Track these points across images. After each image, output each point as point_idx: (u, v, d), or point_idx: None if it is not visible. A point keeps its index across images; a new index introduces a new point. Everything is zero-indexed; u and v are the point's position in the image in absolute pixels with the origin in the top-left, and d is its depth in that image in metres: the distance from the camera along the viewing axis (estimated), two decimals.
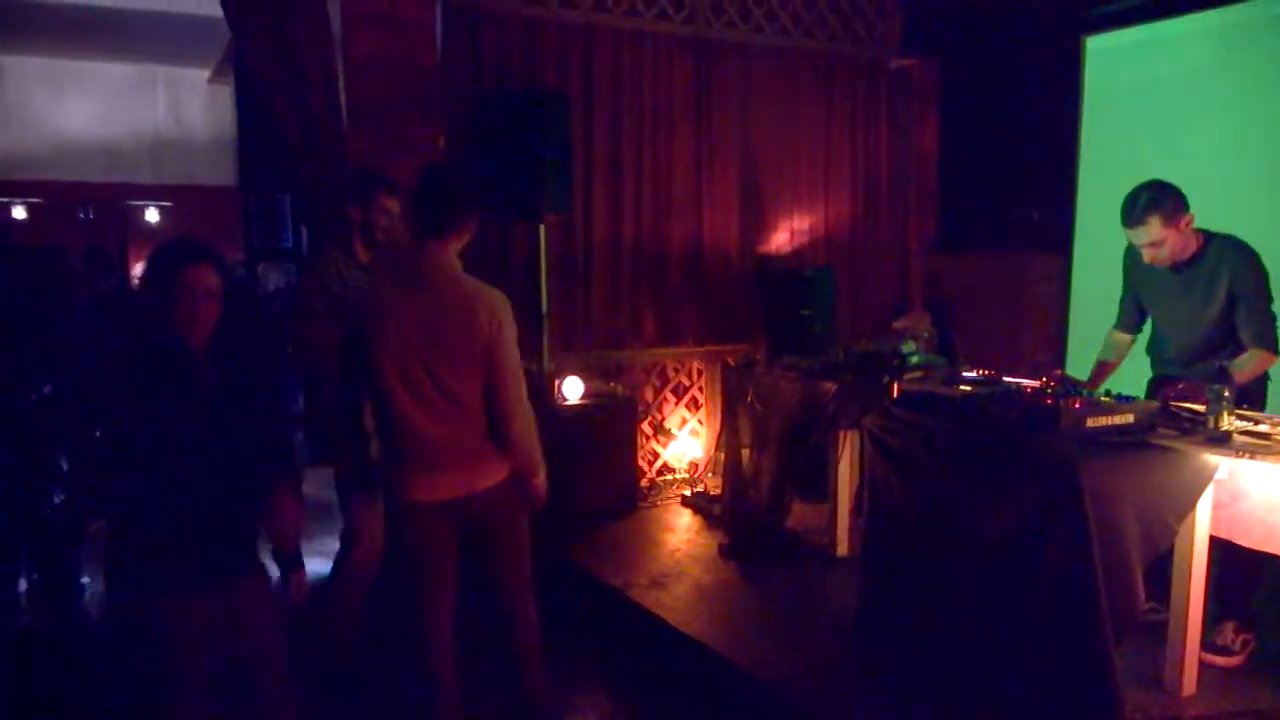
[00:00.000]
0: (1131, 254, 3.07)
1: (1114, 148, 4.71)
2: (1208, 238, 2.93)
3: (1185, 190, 2.88)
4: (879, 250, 5.62)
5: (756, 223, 5.22)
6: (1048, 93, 5.07)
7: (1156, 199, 2.84)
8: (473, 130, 4.33)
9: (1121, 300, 3.26)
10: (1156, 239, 2.87)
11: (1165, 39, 4.55)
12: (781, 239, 5.31)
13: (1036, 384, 2.92)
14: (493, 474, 2.45)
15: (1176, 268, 2.95)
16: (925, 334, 4.80)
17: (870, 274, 5.57)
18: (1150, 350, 3.21)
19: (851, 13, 5.35)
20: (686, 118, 4.94)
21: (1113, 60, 4.81)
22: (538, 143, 4.09)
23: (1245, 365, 2.83)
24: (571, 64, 4.62)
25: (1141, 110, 4.61)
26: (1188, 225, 2.87)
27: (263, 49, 3.89)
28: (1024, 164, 5.19)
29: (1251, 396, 2.88)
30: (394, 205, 3.19)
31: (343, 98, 4.01)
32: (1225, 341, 2.91)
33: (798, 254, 5.30)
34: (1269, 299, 2.90)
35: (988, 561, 2.49)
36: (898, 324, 5.07)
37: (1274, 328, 2.89)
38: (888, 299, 5.64)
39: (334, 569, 3.20)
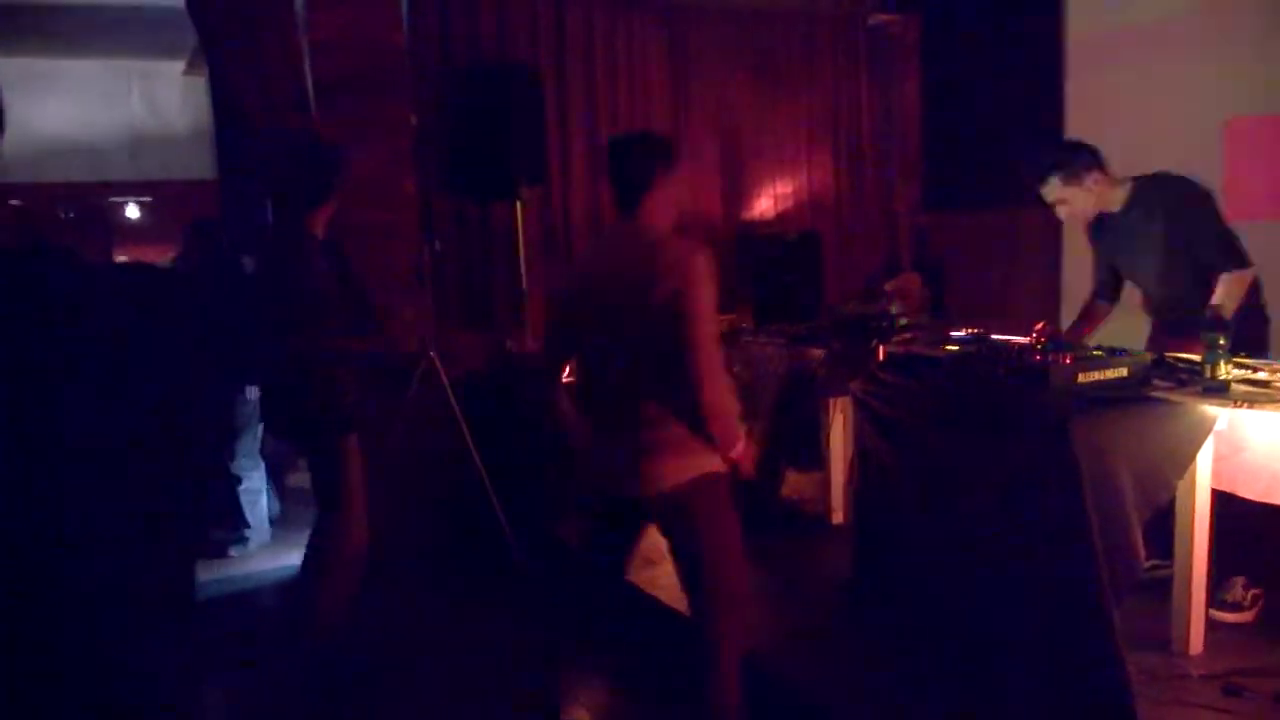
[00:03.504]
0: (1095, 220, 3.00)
1: (1100, 96, 4.58)
2: (1135, 183, 2.86)
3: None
4: (865, 212, 5.54)
5: (738, 189, 5.13)
6: (1031, 41, 4.93)
7: (1056, 159, 2.84)
8: (444, 107, 4.23)
9: (1094, 268, 3.18)
10: (1058, 198, 2.87)
11: None
12: (764, 204, 5.21)
13: (1025, 341, 2.82)
14: None
15: (1105, 220, 2.91)
16: (916, 294, 4.70)
17: (857, 236, 5.49)
18: (1144, 309, 3.12)
19: None
20: (662, 85, 4.86)
21: (1095, 5, 4.67)
22: (510, 117, 4.00)
23: (1225, 295, 2.70)
24: (543, 36, 4.53)
25: (1126, 56, 4.48)
26: (1096, 183, 2.83)
27: (223, 34, 3.79)
28: (1009, 117, 5.06)
29: (1252, 342, 2.73)
30: None
31: (308, 80, 3.91)
32: (1198, 281, 2.79)
33: (781, 219, 5.21)
34: (1218, 219, 2.78)
35: (980, 527, 2.41)
36: (887, 285, 4.97)
37: (1235, 244, 2.76)
38: (876, 261, 5.54)
39: (317, 563, 3.10)
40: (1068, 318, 4.36)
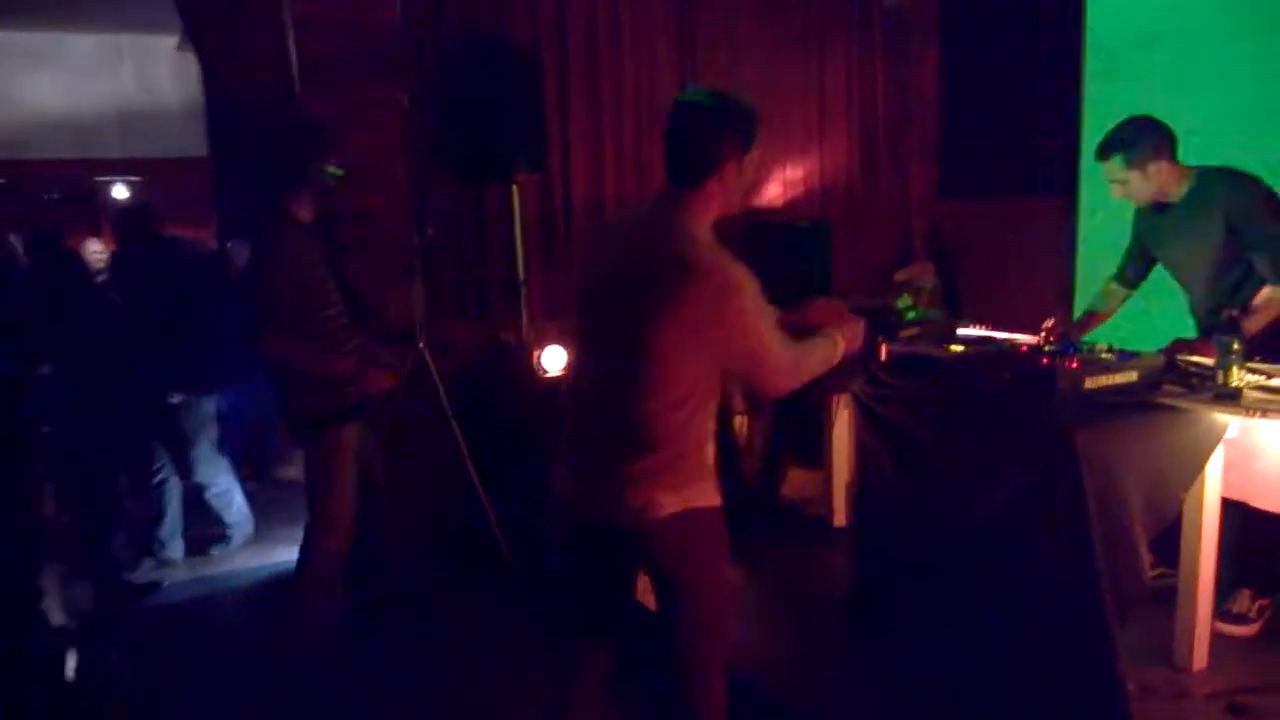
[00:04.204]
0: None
1: (1122, 82, 4.43)
2: (1198, 174, 2.72)
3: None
4: (878, 200, 5.38)
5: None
6: (1050, 25, 4.77)
7: (1124, 139, 2.70)
8: (439, 88, 4.11)
9: (1127, 250, 3.05)
10: (1118, 178, 2.74)
11: None
12: (774, 191, 5.09)
13: (1033, 340, 2.73)
14: None
15: (1161, 208, 2.78)
16: (929, 285, 4.58)
17: (870, 225, 5.33)
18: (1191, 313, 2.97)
19: None
20: (669, 67, 4.70)
21: None
22: (507, 98, 3.88)
23: (1263, 305, 2.57)
24: (542, 13, 4.37)
25: (1150, 39, 4.33)
26: (1159, 172, 2.69)
27: (207, 13, 3.68)
28: (1028, 103, 4.90)
29: None
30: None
31: (294, 59, 3.79)
32: (1244, 283, 2.66)
33: (791, 206, 5.08)
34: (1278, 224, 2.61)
35: (981, 539, 2.32)
36: (900, 275, 4.85)
37: None
38: (889, 250, 5.41)
39: (300, 562, 3.04)
40: (1082, 308, 4.29)
